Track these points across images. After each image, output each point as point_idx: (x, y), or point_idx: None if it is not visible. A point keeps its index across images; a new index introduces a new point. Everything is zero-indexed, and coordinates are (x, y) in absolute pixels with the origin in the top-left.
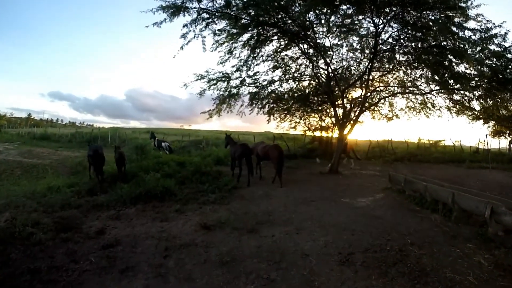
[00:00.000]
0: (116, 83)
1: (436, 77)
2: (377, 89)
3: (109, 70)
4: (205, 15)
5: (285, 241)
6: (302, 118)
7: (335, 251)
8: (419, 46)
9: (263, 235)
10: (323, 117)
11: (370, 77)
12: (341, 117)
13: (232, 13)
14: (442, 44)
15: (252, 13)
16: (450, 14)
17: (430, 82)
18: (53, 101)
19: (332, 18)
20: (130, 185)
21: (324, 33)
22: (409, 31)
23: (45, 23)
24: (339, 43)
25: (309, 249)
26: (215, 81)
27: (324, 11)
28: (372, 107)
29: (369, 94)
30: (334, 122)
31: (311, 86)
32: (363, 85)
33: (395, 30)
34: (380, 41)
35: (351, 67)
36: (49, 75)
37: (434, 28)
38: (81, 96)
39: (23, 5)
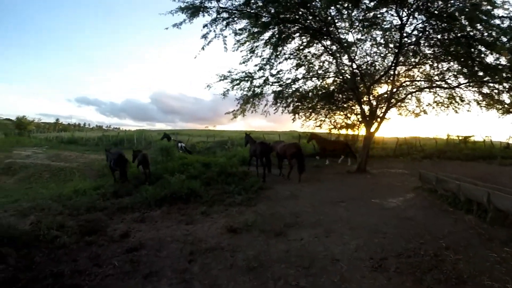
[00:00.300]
0: (141, 87)
1: (465, 70)
2: (403, 84)
3: (134, 74)
4: (225, 15)
5: (314, 245)
6: (327, 116)
7: (367, 256)
8: (446, 37)
9: (291, 238)
10: (348, 115)
11: (396, 72)
12: (368, 114)
13: (252, 11)
14: (470, 34)
15: (272, 10)
16: (477, 1)
17: (458, 75)
18: (80, 106)
19: (354, 12)
20: (155, 187)
21: (347, 28)
22: (435, 22)
23: (70, 33)
24: (362, 38)
25: (340, 254)
26: (238, 81)
27: (346, 5)
28: (399, 103)
29: (395, 89)
30: (360, 119)
31: (335, 83)
32: (389, 81)
33: (420, 22)
34: (404, 34)
35: (376, 63)
36: (76, 81)
37: (461, 18)
38: (107, 100)
39: (50, 17)
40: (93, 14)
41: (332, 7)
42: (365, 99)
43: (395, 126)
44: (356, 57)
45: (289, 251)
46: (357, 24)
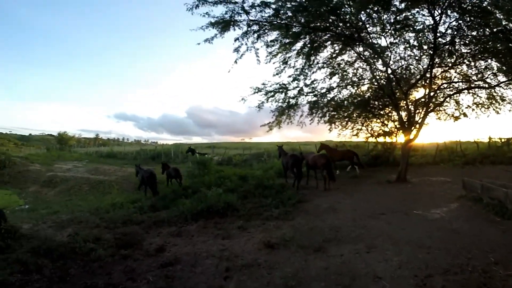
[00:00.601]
0: (177, 102)
1: (504, 67)
2: (441, 87)
3: (169, 90)
4: (255, 27)
5: (355, 262)
6: (364, 125)
7: (411, 273)
8: (481, 34)
9: (330, 254)
10: (385, 122)
11: (432, 75)
12: (405, 120)
13: (282, 22)
14: (507, 28)
15: (302, 20)
16: None
17: (497, 73)
18: (118, 121)
19: (385, 16)
20: (192, 201)
21: (379, 33)
22: (469, 19)
23: (108, 52)
24: (395, 41)
25: (382, 271)
26: (272, 93)
27: (376, 9)
28: (437, 107)
29: (433, 93)
30: (398, 126)
31: (370, 90)
32: (426, 84)
33: (453, 19)
34: (438, 34)
35: (411, 66)
36: (114, 98)
37: (496, 12)
38: (144, 116)
39: (87, 39)
40: (128, 35)
41: (362, 12)
42: (402, 104)
43: (434, 131)
44: (391, 62)
45: (328, 268)
46: (388, 27)
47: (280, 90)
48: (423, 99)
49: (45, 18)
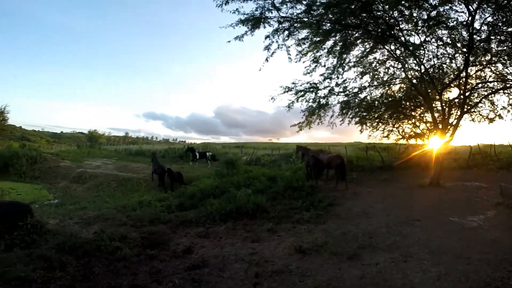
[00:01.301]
0: (205, 102)
1: None
2: (475, 87)
3: (197, 90)
4: (286, 24)
5: (391, 271)
6: (395, 126)
7: (450, 286)
8: None
9: (365, 262)
10: (417, 123)
11: (466, 74)
12: (439, 121)
13: (313, 19)
14: None
15: (333, 17)
16: None
17: None
18: (147, 121)
19: (416, 13)
20: (220, 201)
21: (411, 30)
22: (504, 14)
23: (137, 54)
24: (427, 39)
25: (420, 283)
26: (302, 93)
27: (408, 5)
28: (472, 108)
29: (467, 93)
30: (430, 128)
31: (402, 90)
32: (460, 83)
33: (489, 15)
34: (473, 31)
35: (444, 65)
36: (143, 98)
37: None
38: (173, 115)
39: (115, 42)
40: (158, 36)
41: (394, 9)
42: (435, 105)
43: (467, 134)
44: (424, 60)
45: (363, 277)
46: (421, 24)
47: (311, 89)
48: (456, 100)
49: (77, 21)
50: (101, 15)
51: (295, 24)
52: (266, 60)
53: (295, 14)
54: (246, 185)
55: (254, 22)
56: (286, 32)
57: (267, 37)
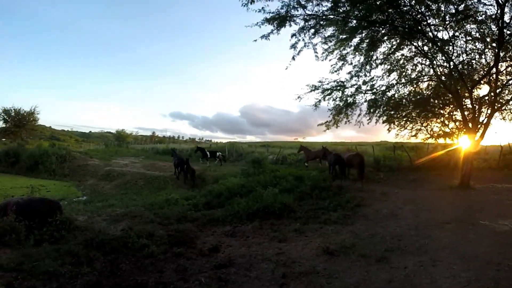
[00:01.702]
0: (231, 102)
1: None
2: (506, 83)
3: (222, 90)
4: (312, 22)
5: (420, 275)
6: (423, 125)
7: None
8: None
9: (393, 265)
10: (446, 122)
11: (497, 70)
12: (469, 120)
13: (339, 17)
14: None
15: (359, 14)
16: None
17: None
18: (174, 120)
19: (443, 7)
20: (247, 200)
21: (438, 25)
22: None
23: (162, 56)
24: (456, 34)
25: None
26: (329, 91)
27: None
28: (503, 106)
29: (498, 90)
30: (459, 127)
31: (430, 87)
32: (491, 80)
33: None
34: (503, 25)
35: (473, 61)
36: (170, 98)
37: None
38: (199, 115)
39: (144, 44)
40: (184, 38)
41: (421, 3)
42: (464, 103)
43: (498, 133)
44: (453, 56)
45: (392, 281)
46: (448, 19)
47: (338, 88)
48: (487, 97)
49: (104, 25)
50: (127, 19)
51: (321, 22)
52: (293, 58)
53: (320, 11)
54: (272, 184)
55: (280, 20)
56: (312, 30)
57: (293, 35)
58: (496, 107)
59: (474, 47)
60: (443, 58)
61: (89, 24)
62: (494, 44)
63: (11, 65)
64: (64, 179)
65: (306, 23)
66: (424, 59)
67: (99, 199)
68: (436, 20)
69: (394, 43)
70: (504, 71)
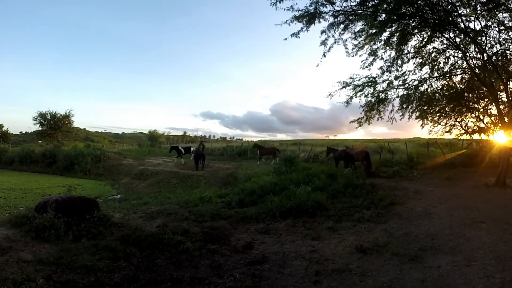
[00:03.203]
0: (260, 100)
1: None
2: None
3: (253, 89)
4: (341, 18)
5: (454, 275)
6: (458, 120)
7: None
8: None
9: (427, 265)
10: (481, 117)
11: None
12: (505, 114)
13: (368, 11)
14: None
15: (388, 8)
16: None
17: None
18: (205, 120)
19: None
20: (280, 198)
21: (470, 15)
22: None
23: (192, 57)
24: (488, 24)
25: None
26: (361, 87)
27: None
28: None
29: None
30: (495, 121)
31: (463, 80)
32: None
33: None
34: None
35: (507, 51)
36: (200, 99)
37: None
38: (229, 114)
39: (174, 45)
40: (213, 38)
41: None
42: (499, 96)
43: None
44: (486, 48)
45: (425, 280)
46: (480, 8)
47: (369, 83)
48: None
49: (137, 26)
50: (159, 20)
51: (350, 17)
52: (324, 55)
53: (349, 6)
54: (305, 182)
55: (309, 17)
56: (342, 26)
57: (323, 32)
58: None
59: (508, 37)
60: (476, 49)
61: (120, 26)
62: None
63: (46, 69)
64: (99, 178)
65: (335, 19)
66: (457, 51)
67: (133, 197)
68: (467, 10)
69: (425, 35)
70: None
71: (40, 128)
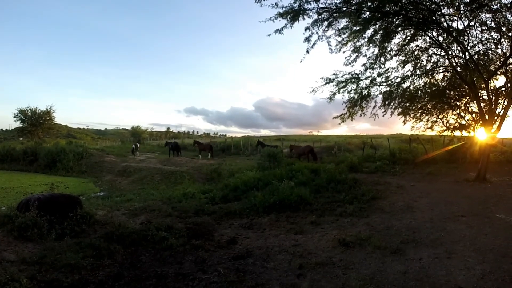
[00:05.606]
0: (245, 96)
1: None
2: None
3: (237, 85)
4: (325, 15)
5: (435, 267)
6: (439, 117)
7: (494, 285)
8: None
9: (409, 257)
10: (462, 114)
11: None
12: (485, 112)
13: (352, 8)
14: None
15: (372, 6)
16: None
17: None
18: (188, 116)
19: None
20: (264, 193)
21: (453, 14)
22: None
23: (175, 53)
24: (471, 24)
25: (463, 280)
26: (344, 84)
27: None
28: None
29: None
30: (476, 119)
31: (446, 78)
32: (508, 70)
33: None
34: None
35: (489, 51)
36: (184, 95)
37: None
38: (213, 110)
39: (156, 41)
40: (195, 34)
41: None
42: (480, 94)
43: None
44: (468, 47)
45: (407, 272)
46: (463, 8)
47: (352, 80)
48: (504, 88)
49: (120, 22)
50: (142, 16)
51: (334, 14)
52: (307, 51)
53: (333, 3)
54: (288, 177)
55: (293, 14)
56: (326, 23)
57: (307, 28)
58: None
59: (490, 37)
60: (459, 48)
61: (104, 22)
62: (510, 34)
63: (28, 65)
64: (81, 175)
65: (319, 16)
66: (439, 49)
67: (117, 194)
68: (451, 9)
69: (409, 34)
70: None
71: (21, 125)
